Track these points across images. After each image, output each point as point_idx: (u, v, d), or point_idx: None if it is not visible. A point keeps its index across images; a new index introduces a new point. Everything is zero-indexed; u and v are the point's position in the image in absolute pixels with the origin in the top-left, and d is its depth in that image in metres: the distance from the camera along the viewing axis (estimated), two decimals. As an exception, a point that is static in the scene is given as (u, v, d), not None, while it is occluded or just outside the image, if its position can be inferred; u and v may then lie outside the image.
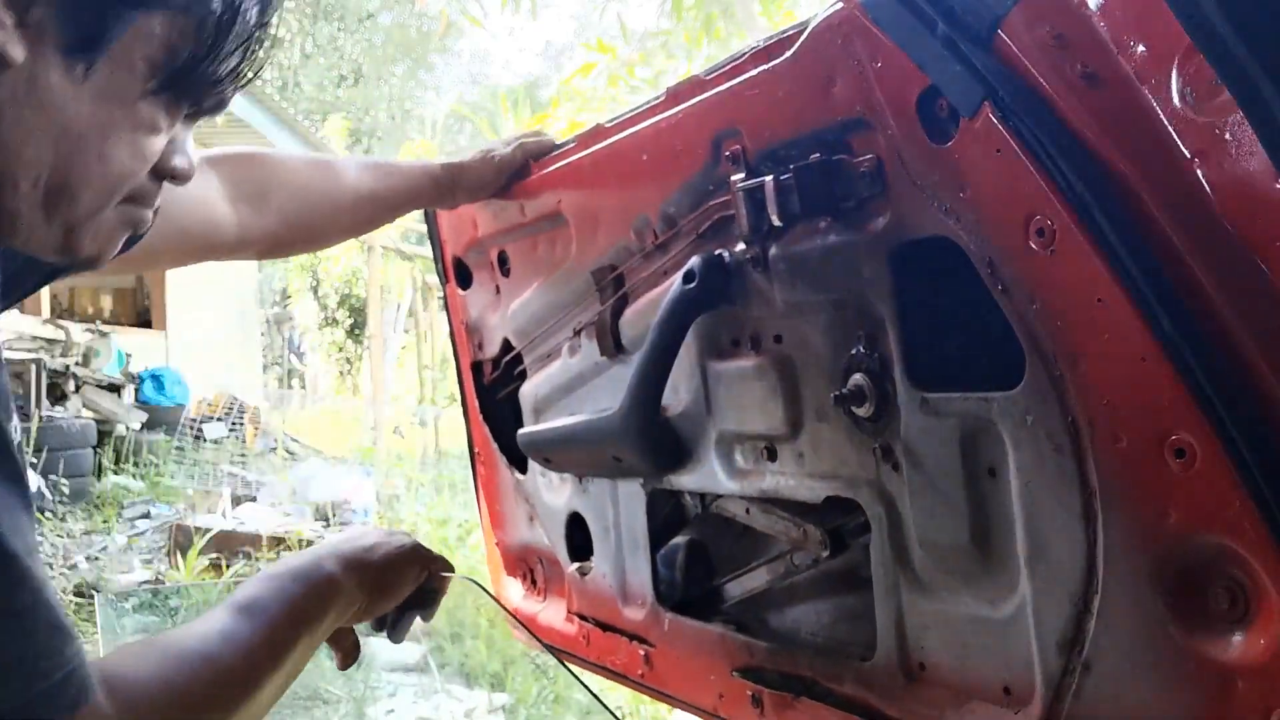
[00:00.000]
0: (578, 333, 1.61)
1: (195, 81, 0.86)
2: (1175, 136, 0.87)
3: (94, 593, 6.02)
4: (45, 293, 9.81)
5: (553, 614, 1.83)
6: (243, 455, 10.77)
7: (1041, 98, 0.92)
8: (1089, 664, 0.96)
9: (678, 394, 1.40)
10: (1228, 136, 0.85)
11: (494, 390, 1.89)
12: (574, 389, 1.64)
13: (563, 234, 1.59)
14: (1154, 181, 0.88)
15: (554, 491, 1.76)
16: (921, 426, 1.09)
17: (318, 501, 8.17)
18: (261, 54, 0.90)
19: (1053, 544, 0.98)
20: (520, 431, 1.71)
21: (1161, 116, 0.87)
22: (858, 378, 1.15)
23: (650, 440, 1.40)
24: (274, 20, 0.91)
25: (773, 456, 1.29)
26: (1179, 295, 0.86)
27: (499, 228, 1.73)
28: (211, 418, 11.11)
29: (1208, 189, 0.86)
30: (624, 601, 1.61)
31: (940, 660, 1.13)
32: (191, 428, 10.54)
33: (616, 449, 1.45)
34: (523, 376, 1.80)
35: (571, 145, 1.55)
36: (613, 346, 1.52)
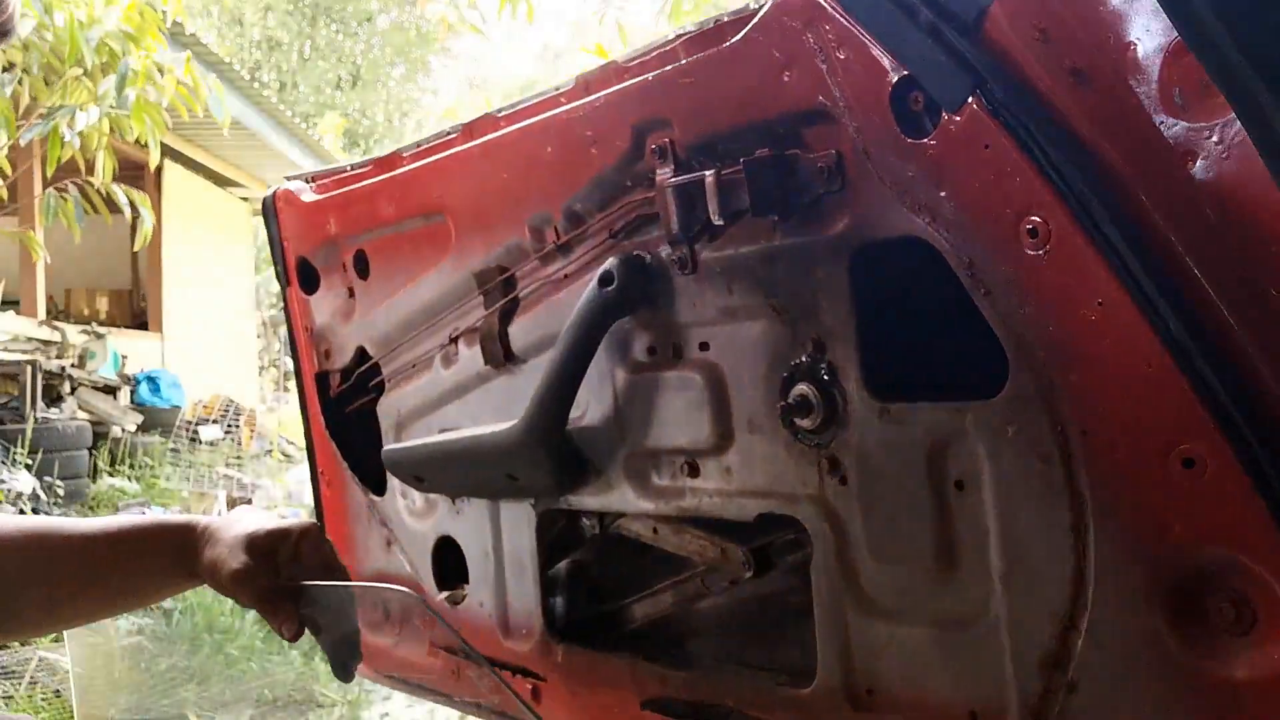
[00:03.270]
0: (454, 340, 1.48)
1: None
2: (1174, 135, 0.84)
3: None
4: (41, 294, 9.76)
5: (410, 649, 1.68)
6: (238, 458, 10.42)
7: (1034, 90, 0.88)
8: (1074, 684, 0.92)
9: (582, 406, 1.29)
10: (1225, 137, 0.82)
11: (342, 403, 1.73)
12: (448, 402, 1.51)
13: (439, 232, 1.46)
14: (1153, 180, 0.85)
15: (418, 514, 1.61)
16: (880, 438, 1.03)
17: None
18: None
19: (1035, 559, 0.93)
20: (386, 449, 1.56)
21: (1157, 114, 0.84)
22: (802, 387, 1.08)
23: (557, 457, 1.29)
24: None
25: (694, 472, 1.21)
26: (1186, 297, 0.83)
27: (358, 226, 1.58)
28: (207, 420, 10.83)
29: (1208, 189, 0.83)
30: (505, 632, 1.48)
31: (892, 685, 1.07)
32: (187, 430, 10.28)
33: (513, 466, 1.33)
34: (380, 389, 1.65)
35: (454, 135, 1.42)
36: (501, 355, 1.39)
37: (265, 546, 1.21)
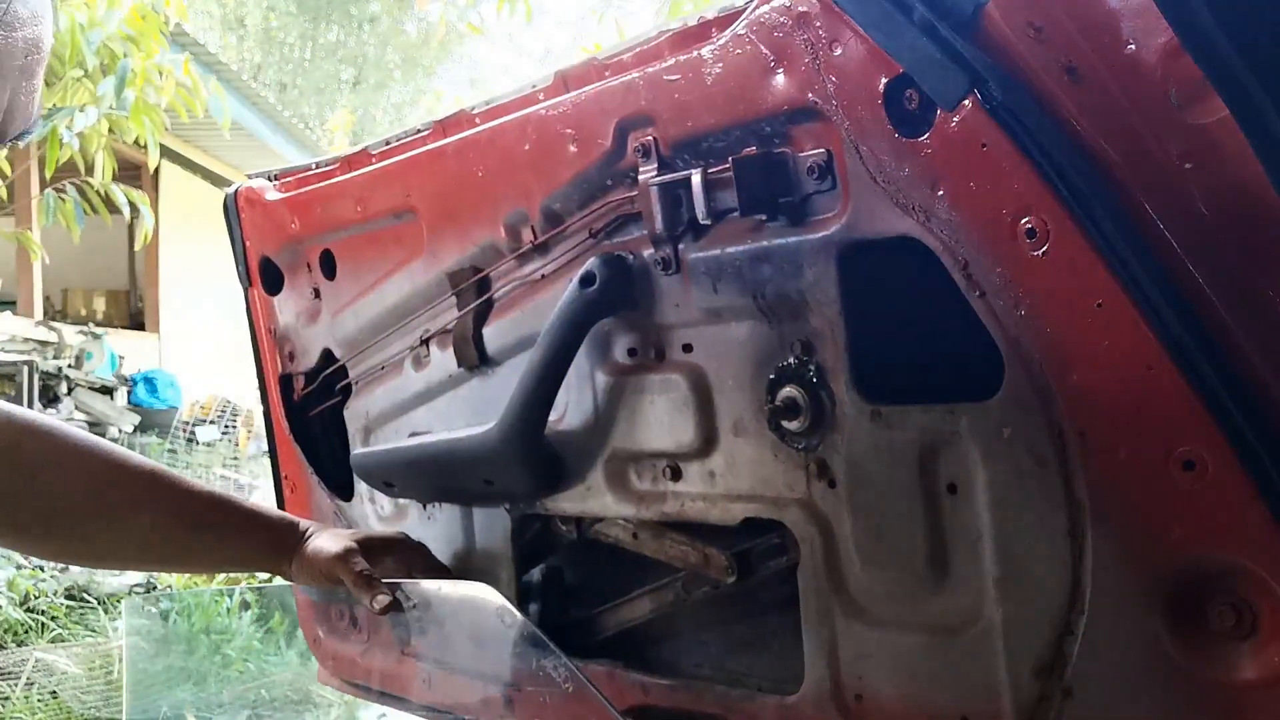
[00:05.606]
0: (425, 342, 1.44)
1: None
2: (1170, 135, 0.83)
3: (84, 595, 5.49)
4: (38, 294, 9.76)
5: (379, 655, 1.64)
6: (235, 458, 10.26)
7: (1031, 89, 0.87)
8: (1070, 689, 0.91)
9: (561, 409, 1.27)
10: (1222, 136, 0.82)
11: (306, 407, 1.69)
12: (418, 405, 1.48)
13: (410, 231, 1.42)
14: (1150, 180, 0.84)
15: (387, 520, 1.57)
16: (870, 441, 1.02)
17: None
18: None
19: (1030, 563, 0.92)
20: (356, 453, 1.52)
21: (1153, 114, 0.84)
22: (790, 389, 1.07)
23: (536, 461, 1.26)
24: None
25: (677, 476, 1.19)
26: (1186, 298, 0.82)
27: (325, 224, 1.54)
28: (204, 420, 10.77)
29: (1204, 189, 0.82)
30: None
31: (881, 691, 1.06)
32: (184, 430, 10.26)
33: (490, 471, 1.30)
34: (347, 392, 1.61)
35: (426, 133, 1.39)
36: (475, 357, 1.36)
37: (362, 540, 1.35)
